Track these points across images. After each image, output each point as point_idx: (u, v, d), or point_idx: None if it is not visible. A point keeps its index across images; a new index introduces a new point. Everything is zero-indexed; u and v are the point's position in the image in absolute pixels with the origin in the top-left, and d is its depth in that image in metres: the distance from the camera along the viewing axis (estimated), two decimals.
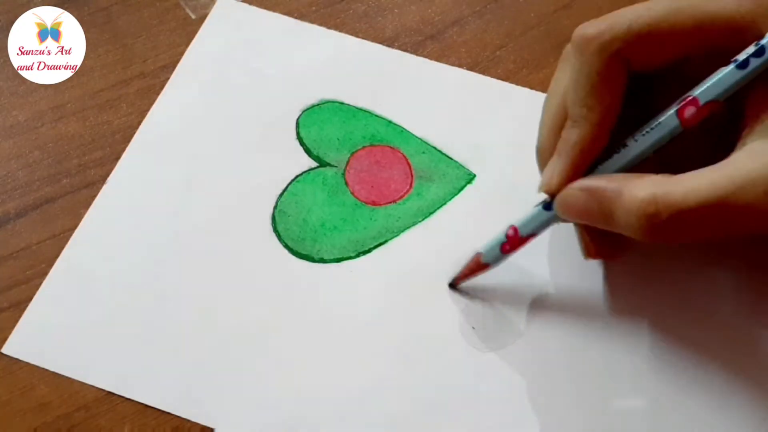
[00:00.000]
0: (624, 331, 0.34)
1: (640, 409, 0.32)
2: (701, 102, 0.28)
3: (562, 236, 0.35)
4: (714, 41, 0.29)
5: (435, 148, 0.38)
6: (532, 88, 0.40)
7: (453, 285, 0.35)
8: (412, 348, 0.34)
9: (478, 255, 0.34)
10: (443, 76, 0.40)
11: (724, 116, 0.29)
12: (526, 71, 0.40)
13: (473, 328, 0.34)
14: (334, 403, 0.33)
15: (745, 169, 0.26)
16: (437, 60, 0.41)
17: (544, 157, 0.32)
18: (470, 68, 0.40)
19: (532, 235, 0.32)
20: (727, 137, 0.29)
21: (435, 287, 0.35)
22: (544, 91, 0.39)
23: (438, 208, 0.37)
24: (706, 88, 0.28)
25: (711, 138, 0.30)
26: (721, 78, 0.28)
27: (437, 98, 0.40)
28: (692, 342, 0.33)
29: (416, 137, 0.39)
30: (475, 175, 0.38)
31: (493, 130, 0.39)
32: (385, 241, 0.36)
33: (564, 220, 0.31)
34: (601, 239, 0.32)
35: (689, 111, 0.28)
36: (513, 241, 0.32)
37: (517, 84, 0.40)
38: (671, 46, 0.29)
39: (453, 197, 0.37)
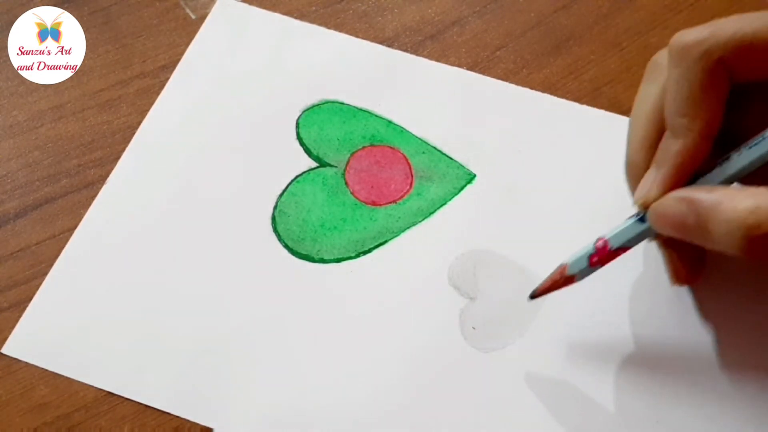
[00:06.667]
0: (625, 333, 0.34)
1: (640, 406, 0.32)
2: None
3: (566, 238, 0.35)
4: None
5: (435, 148, 0.38)
6: (532, 88, 0.39)
7: (533, 296, 0.33)
8: (413, 348, 0.34)
9: (563, 266, 0.32)
10: (443, 76, 0.40)
11: None
12: (526, 71, 0.40)
13: (473, 328, 0.34)
14: (334, 403, 0.33)
15: None
16: (437, 60, 0.41)
17: (634, 172, 0.31)
18: (470, 68, 0.40)
19: (623, 248, 0.31)
20: None
21: (435, 287, 0.35)
22: (544, 91, 0.39)
23: (438, 208, 0.37)
24: None
25: None
26: None
27: (437, 98, 0.40)
28: (686, 343, 0.34)
29: (416, 137, 0.39)
30: (475, 175, 0.38)
31: (494, 130, 0.39)
32: (385, 241, 0.36)
33: (657, 235, 0.30)
34: (692, 263, 0.30)
35: None
36: (602, 253, 0.31)
37: (517, 84, 0.40)
38: None
39: (453, 197, 0.37)
